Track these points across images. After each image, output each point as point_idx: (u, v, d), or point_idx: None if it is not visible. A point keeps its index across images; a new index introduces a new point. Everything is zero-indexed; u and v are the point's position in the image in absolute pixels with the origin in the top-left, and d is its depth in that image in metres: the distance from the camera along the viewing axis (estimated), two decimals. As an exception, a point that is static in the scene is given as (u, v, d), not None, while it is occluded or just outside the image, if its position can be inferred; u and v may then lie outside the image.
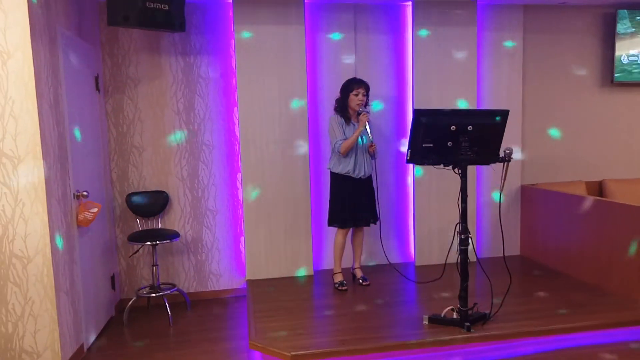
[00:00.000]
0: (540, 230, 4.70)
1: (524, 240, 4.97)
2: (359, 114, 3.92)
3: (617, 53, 4.94)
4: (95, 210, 3.50)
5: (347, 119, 3.98)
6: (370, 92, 4.05)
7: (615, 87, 5.10)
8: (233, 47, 4.34)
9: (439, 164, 3.29)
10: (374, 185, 4.11)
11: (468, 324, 3.20)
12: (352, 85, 3.94)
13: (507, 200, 4.93)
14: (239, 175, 4.46)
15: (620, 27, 4.90)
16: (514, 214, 4.96)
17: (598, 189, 5.13)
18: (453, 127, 3.17)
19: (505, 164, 3.27)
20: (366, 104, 4.00)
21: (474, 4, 4.58)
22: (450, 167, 3.29)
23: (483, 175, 4.82)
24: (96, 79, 3.98)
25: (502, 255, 4.77)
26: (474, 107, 4.65)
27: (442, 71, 4.59)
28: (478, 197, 4.81)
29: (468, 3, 4.56)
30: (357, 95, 3.91)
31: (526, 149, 4.97)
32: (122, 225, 4.35)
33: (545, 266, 4.59)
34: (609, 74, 5.04)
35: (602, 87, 5.10)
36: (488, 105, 4.77)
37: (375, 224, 4.13)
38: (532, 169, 5.01)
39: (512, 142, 4.79)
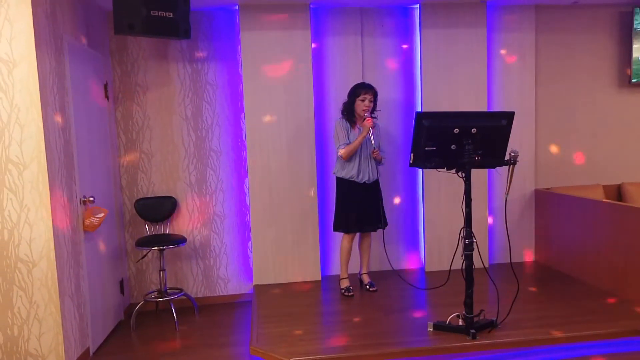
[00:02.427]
0: (554, 235, 4.57)
1: (538, 246, 4.84)
2: (364, 119, 3.88)
3: (634, 53, 4.79)
4: (101, 215, 3.55)
5: (353, 123, 3.95)
6: (378, 97, 4.01)
7: (633, 88, 4.94)
8: (240, 53, 4.37)
9: (443, 168, 3.23)
10: (380, 190, 4.06)
11: (473, 331, 3.13)
12: (359, 90, 3.91)
13: (520, 205, 4.81)
14: (246, 181, 4.48)
15: (638, 25, 4.74)
16: (527, 219, 4.84)
17: (617, 192, 4.97)
18: (456, 130, 3.12)
19: (511, 167, 3.19)
20: (373, 110, 3.97)
21: (483, 5, 4.51)
22: (454, 171, 3.23)
23: (495, 179, 4.72)
24: (105, 86, 4.06)
25: (516, 260, 4.72)
26: (485, 110, 4.56)
27: (451, 74, 4.52)
28: (490, 201, 4.71)
29: (477, 4, 4.49)
30: (363, 100, 3.88)
31: (540, 152, 4.85)
32: (132, 230, 4.41)
33: (559, 272, 4.46)
34: (626, 74, 4.89)
35: (620, 88, 4.95)
36: (499, 108, 4.68)
37: (383, 229, 4.08)
38: (546, 173, 4.88)
39: (525, 145, 4.70)
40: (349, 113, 3.96)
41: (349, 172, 3.91)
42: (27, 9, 2.90)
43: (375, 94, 3.92)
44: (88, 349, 3.46)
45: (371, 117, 3.89)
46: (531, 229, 4.86)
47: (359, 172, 3.91)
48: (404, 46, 4.60)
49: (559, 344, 3.16)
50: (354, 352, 3.03)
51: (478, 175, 4.50)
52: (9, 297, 2.99)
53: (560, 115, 4.88)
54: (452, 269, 3.60)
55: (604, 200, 4.28)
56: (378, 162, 3.99)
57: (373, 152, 3.90)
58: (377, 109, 4.02)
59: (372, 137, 3.83)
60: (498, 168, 3.36)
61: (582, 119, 4.92)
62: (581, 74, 4.88)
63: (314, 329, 3.48)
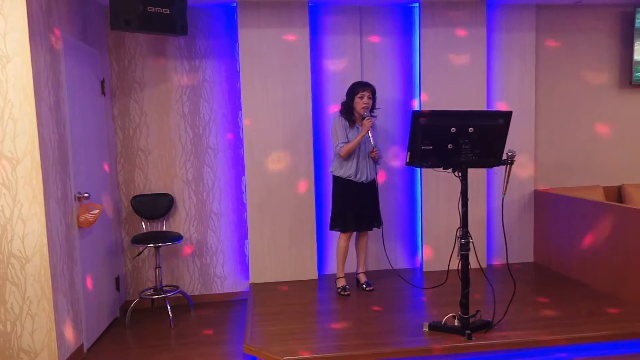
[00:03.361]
0: (554, 236, 4.54)
1: (537, 247, 4.81)
2: (363, 118, 3.85)
3: (635, 54, 4.75)
4: (96, 211, 3.53)
5: (352, 122, 3.92)
6: (377, 95, 3.99)
7: (634, 89, 4.90)
8: (237, 51, 4.34)
9: (439, 167, 3.21)
10: (377, 189, 4.04)
11: (469, 331, 3.10)
12: (358, 88, 3.89)
13: (520, 206, 4.78)
14: (243, 178, 4.46)
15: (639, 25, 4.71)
16: (527, 220, 4.80)
17: (617, 194, 4.93)
18: (453, 129, 3.09)
19: (508, 166, 3.16)
20: (372, 108, 3.94)
21: (483, 5, 4.47)
22: (451, 170, 3.20)
23: (494, 179, 4.68)
24: (102, 82, 4.04)
25: (515, 261, 4.69)
26: (483, 110, 4.53)
27: (451, 74, 4.49)
28: (489, 201, 4.68)
29: (477, 3, 4.46)
30: (362, 98, 3.85)
31: (540, 153, 4.82)
32: (128, 227, 4.40)
33: (558, 274, 4.42)
34: (627, 74, 4.85)
35: (621, 89, 4.91)
36: (499, 108, 4.64)
37: (379, 227, 4.06)
38: (546, 174, 4.85)
39: (525, 146, 4.67)
40: (347, 112, 3.93)
41: (347, 171, 3.88)
42: (22, 3, 2.88)
43: (373, 91, 3.90)
44: (82, 345, 3.44)
45: (370, 115, 3.86)
46: (530, 230, 4.82)
47: (357, 171, 3.88)
48: (403, 45, 4.57)
49: (555, 345, 3.13)
50: (349, 352, 3.00)
51: (477, 175, 4.47)
52: (1, 292, 2.97)
53: (561, 115, 4.85)
54: (450, 269, 3.57)
55: (604, 201, 4.25)
56: (376, 161, 3.96)
57: (371, 152, 3.87)
58: (376, 106, 4.00)
59: (371, 137, 3.81)
60: (496, 168, 3.33)
61: (583, 120, 4.88)
62: (582, 74, 4.84)
63: (309, 327, 3.46)
